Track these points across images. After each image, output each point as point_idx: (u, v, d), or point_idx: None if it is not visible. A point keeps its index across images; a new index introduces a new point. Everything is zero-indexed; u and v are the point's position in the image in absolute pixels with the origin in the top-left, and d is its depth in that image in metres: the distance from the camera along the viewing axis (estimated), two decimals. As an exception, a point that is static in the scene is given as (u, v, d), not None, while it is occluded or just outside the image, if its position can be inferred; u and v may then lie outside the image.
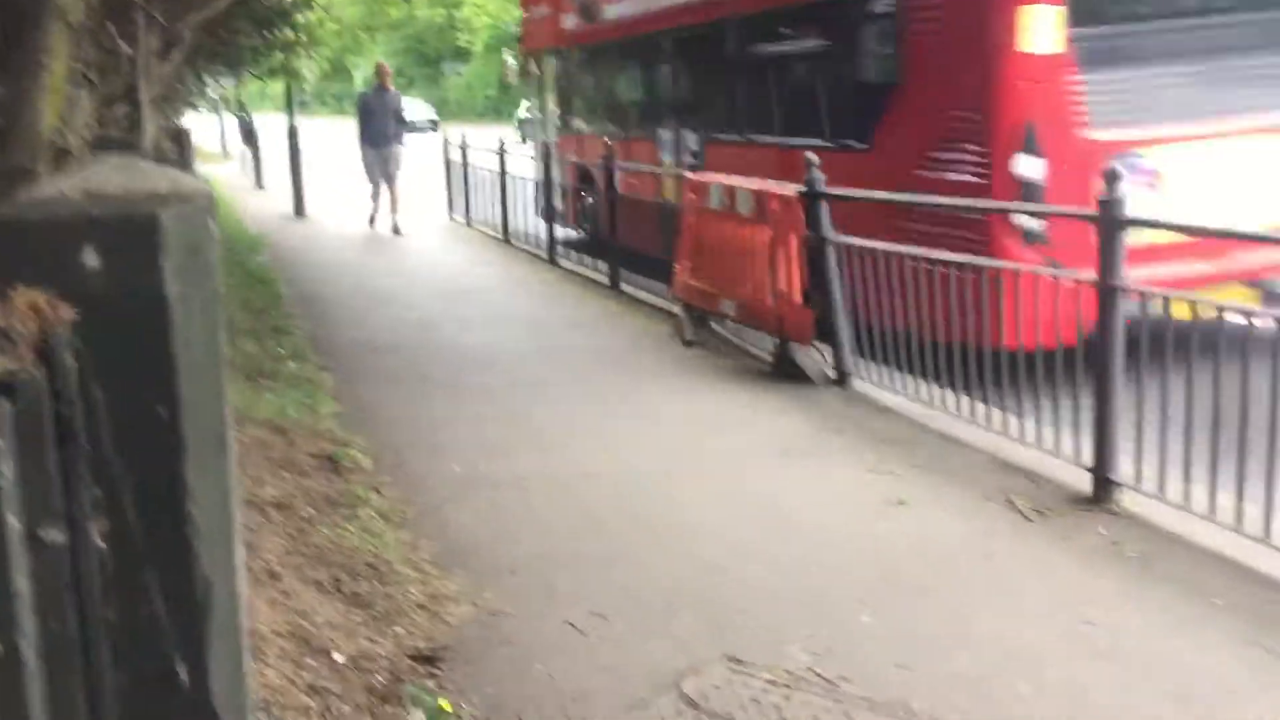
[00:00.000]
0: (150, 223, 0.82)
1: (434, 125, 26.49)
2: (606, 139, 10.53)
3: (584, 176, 12.07)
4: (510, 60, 16.35)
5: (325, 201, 17.28)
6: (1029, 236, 6.11)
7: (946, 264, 5.36)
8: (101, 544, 0.87)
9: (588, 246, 11.43)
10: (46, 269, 0.82)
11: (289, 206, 16.54)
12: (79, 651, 0.86)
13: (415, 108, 41.84)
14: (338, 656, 3.39)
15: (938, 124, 6.54)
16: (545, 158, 12.34)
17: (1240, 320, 4.10)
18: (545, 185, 12.22)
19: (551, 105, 13.82)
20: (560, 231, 12.01)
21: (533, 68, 14.45)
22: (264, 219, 16.23)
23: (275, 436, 5.37)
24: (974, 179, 6.23)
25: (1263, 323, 4.03)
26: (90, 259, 0.82)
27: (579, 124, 12.90)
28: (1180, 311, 4.28)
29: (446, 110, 46.95)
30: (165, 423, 0.87)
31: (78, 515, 0.84)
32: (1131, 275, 4.40)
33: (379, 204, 14.48)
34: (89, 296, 0.82)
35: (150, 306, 0.83)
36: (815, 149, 6.72)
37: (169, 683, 0.96)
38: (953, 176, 6.34)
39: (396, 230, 14.13)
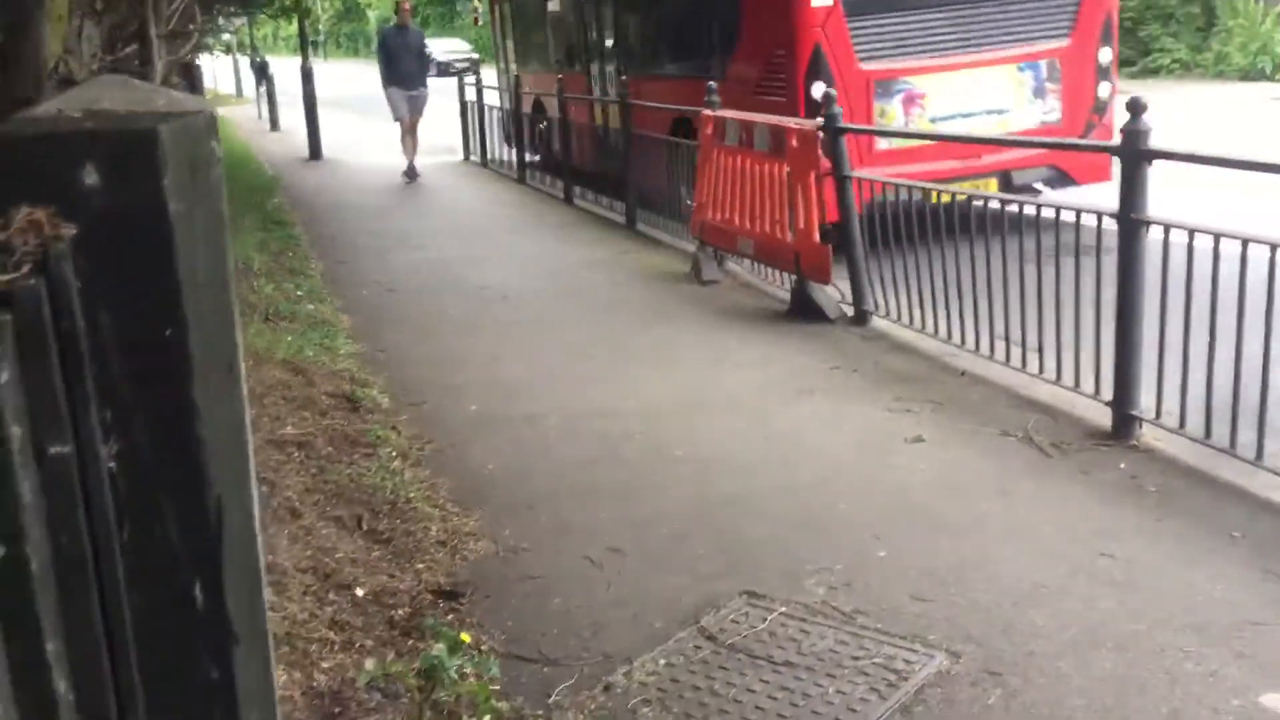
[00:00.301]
0: (149, 138, 0.81)
1: (474, 66, 24.95)
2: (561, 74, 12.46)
3: (538, 107, 13.80)
4: (477, 4, 17.41)
5: (341, 143, 17.21)
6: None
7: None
8: (112, 464, 0.87)
9: (545, 167, 13.18)
10: (47, 186, 0.81)
11: (304, 148, 16.48)
12: (92, 571, 0.86)
13: (452, 45, 41.08)
14: (359, 591, 3.43)
15: (762, 61, 8.46)
16: (561, 95, 12.22)
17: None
18: (561, 124, 12.12)
19: (511, 45, 15.27)
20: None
21: (497, 11, 15.68)
22: (280, 161, 16.19)
23: (294, 376, 5.40)
24: (785, 100, 8.08)
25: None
26: (90, 176, 0.81)
27: (533, 62, 14.38)
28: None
29: (460, 49, 46.47)
30: (171, 343, 0.87)
31: (85, 434, 0.83)
32: (887, 171, 6.29)
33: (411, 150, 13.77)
34: (90, 213, 0.81)
35: (151, 224, 0.82)
36: (695, 79, 8.66)
37: (185, 605, 0.96)
38: (774, 99, 8.16)
39: (413, 172, 14.04)
